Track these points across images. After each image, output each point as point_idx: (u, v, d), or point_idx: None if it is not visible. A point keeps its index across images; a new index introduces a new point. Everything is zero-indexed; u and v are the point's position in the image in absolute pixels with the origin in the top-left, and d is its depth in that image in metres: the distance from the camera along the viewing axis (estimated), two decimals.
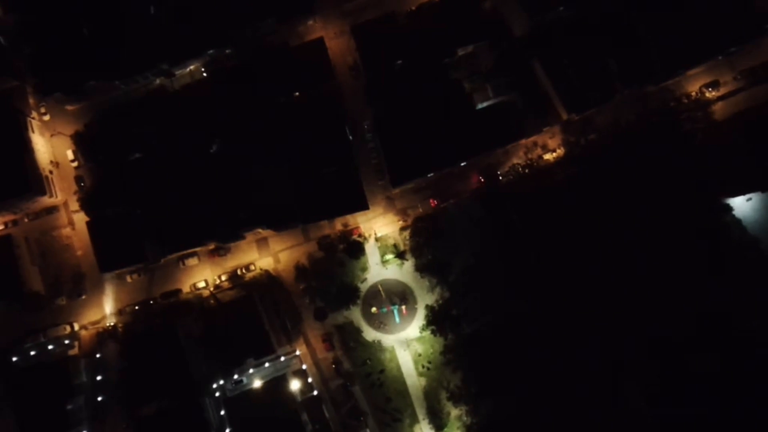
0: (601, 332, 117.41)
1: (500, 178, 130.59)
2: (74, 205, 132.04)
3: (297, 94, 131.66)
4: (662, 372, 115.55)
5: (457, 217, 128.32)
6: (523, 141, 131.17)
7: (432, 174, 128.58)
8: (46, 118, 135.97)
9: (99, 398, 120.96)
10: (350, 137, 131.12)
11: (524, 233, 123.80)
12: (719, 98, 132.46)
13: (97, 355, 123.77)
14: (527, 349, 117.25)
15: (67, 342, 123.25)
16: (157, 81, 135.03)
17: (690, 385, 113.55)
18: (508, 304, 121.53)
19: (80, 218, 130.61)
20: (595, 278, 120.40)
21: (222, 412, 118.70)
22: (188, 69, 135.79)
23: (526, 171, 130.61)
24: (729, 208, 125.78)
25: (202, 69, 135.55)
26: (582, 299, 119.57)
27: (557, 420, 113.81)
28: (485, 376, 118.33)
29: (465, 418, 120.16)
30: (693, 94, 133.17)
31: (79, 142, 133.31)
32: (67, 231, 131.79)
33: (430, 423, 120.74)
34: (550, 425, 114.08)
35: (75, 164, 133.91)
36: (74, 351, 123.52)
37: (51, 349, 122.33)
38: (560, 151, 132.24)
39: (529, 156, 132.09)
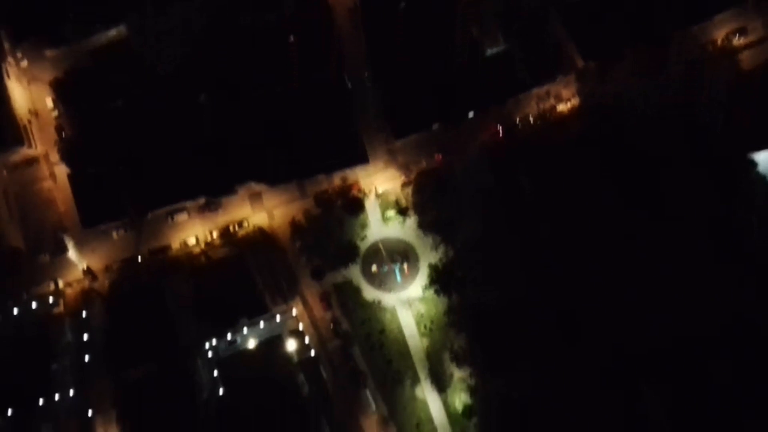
0: (619, 315, 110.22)
1: (519, 126, 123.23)
2: (55, 156, 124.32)
3: (291, 38, 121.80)
4: (681, 365, 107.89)
5: (463, 173, 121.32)
6: (535, 90, 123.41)
7: (437, 126, 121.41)
8: (24, 63, 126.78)
9: (86, 359, 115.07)
10: (349, 85, 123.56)
11: (536, 201, 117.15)
12: (747, 46, 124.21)
13: (83, 315, 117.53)
14: (536, 330, 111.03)
15: (50, 300, 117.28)
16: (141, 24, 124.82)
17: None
18: (517, 279, 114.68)
19: (62, 171, 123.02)
20: (608, 247, 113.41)
21: (215, 374, 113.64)
22: None
23: (538, 123, 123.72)
24: (753, 164, 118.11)
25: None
26: (598, 275, 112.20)
27: (565, 403, 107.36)
28: (491, 353, 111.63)
29: (469, 380, 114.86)
30: (719, 41, 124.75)
31: (59, 89, 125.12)
32: (48, 184, 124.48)
33: (432, 385, 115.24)
34: (557, 408, 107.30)
35: (55, 113, 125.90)
36: (59, 310, 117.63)
37: (34, 308, 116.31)
38: (575, 102, 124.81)
39: (542, 107, 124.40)
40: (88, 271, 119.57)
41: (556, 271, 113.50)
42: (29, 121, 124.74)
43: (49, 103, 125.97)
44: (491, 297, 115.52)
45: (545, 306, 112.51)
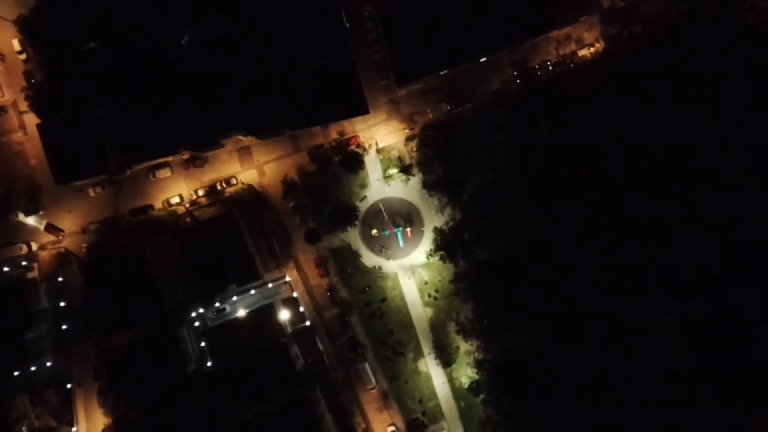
0: (636, 260, 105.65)
1: (538, 73, 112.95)
2: (24, 104, 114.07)
3: None
4: (702, 308, 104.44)
5: (474, 125, 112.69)
6: (555, 33, 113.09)
7: (445, 72, 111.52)
8: None
9: (63, 326, 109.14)
10: (347, 25, 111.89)
11: (553, 145, 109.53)
12: None
13: (59, 279, 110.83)
14: (550, 279, 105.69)
15: (24, 263, 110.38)
16: None
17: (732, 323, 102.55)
18: (530, 227, 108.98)
19: (32, 120, 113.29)
20: (631, 196, 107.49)
21: (202, 344, 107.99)
22: None
23: (557, 69, 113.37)
24: None
25: None
26: (615, 222, 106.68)
27: (582, 357, 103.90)
28: (500, 308, 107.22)
29: (476, 354, 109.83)
30: None
31: (26, 29, 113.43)
32: (18, 136, 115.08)
33: (436, 358, 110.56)
34: (573, 363, 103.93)
35: (23, 57, 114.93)
36: (33, 274, 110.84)
37: (6, 272, 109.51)
38: (598, 46, 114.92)
39: (562, 52, 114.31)
40: (51, 227, 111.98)
41: (570, 214, 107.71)
42: None
43: (16, 44, 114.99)
44: (501, 249, 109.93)
45: (559, 251, 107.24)
